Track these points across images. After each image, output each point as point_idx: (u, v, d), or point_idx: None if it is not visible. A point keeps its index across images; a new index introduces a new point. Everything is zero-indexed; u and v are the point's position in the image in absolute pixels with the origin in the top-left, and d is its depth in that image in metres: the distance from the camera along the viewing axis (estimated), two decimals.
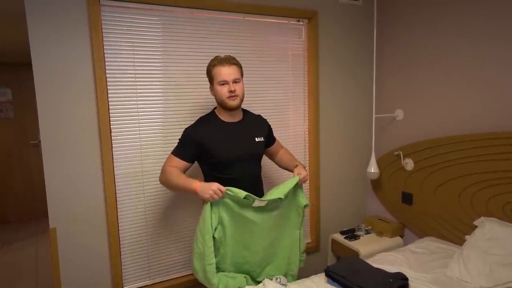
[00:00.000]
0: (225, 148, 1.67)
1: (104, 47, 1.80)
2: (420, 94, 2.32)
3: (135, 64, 1.89)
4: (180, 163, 1.65)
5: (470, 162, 2.02)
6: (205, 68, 1.71)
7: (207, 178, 1.73)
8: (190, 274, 2.14)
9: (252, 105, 2.23)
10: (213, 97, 1.73)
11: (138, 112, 1.92)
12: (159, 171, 2.01)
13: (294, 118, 2.43)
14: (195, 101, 2.08)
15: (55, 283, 1.80)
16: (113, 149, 1.87)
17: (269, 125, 1.95)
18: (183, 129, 1.71)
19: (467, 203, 2.06)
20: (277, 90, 2.34)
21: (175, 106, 2.03)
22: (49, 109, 1.72)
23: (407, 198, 2.45)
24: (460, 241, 1.96)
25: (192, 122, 1.76)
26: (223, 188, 1.52)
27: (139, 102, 1.92)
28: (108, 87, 1.83)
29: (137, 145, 1.95)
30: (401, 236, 2.50)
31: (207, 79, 1.73)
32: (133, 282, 2.01)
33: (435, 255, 2.00)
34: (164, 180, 1.67)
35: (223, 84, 1.64)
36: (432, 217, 2.29)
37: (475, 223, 1.95)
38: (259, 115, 1.94)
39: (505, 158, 1.85)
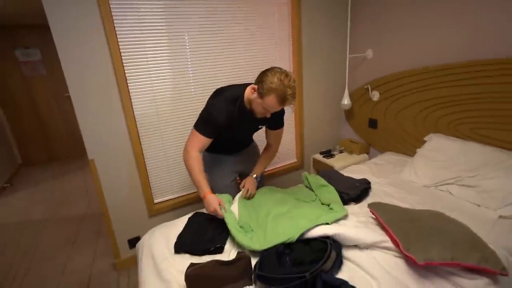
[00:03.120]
0: (234, 133, 1.55)
1: (110, 3, 1.64)
2: (387, 35, 2.19)
3: (140, 18, 1.74)
4: (205, 140, 1.45)
5: (424, 91, 1.99)
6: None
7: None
8: None
9: (242, 51, 2.12)
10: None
11: (147, 61, 1.82)
12: (171, 111, 1.97)
13: (280, 60, 2.32)
14: (199, 48, 1.96)
15: (101, 202, 1.90)
16: (130, 93, 1.82)
17: (283, 112, 1.62)
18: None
19: (421, 123, 2.08)
20: (265, 36, 2.20)
21: (182, 55, 1.92)
22: (71, 65, 1.63)
23: (373, 123, 2.47)
24: (413, 154, 2.02)
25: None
26: (220, 214, 1.38)
27: (148, 53, 1.81)
28: (118, 41, 1.71)
29: (149, 90, 1.88)
30: (367, 153, 2.57)
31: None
32: (160, 197, 2.10)
33: (392, 165, 2.07)
34: (187, 165, 1.46)
35: (264, 108, 1.36)
36: (392, 137, 2.33)
37: (425, 138, 1.99)
38: None
39: (451, 86, 1.83)
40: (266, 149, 1.79)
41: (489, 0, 1.61)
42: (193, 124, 1.50)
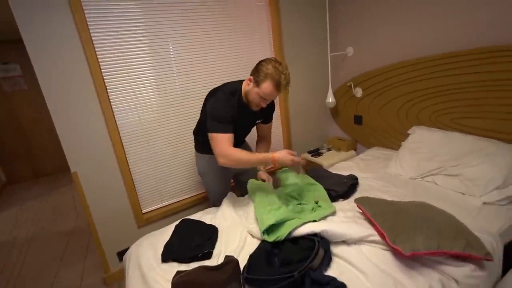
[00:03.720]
0: (236, 129, 1.52)
1: (84, 9, 1.61)
2: (366, 32, 2.23)
3: (118, 26, 1.72)
4: (229, 136, 1.42)
5: (405, 85, 2.02)
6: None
7: (203, 133, 1.56)
8: (192, 195, 2.22)
9: (225, 54, 2.12)
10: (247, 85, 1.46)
11: (128, 69, 1.79)
12: (156, 119, 1.95)
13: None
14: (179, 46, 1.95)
15: (87, 215, 1.84)
16: (111, 102, 1.78)
17: (274, 107, 1.73)
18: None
19: (403, 117, 2.11)
20: (246, 38, 2.20)
21: (166, 61, 1.91)
22: (47, 78, 1.59)
23: (358, 120, 2.49)
24: (398, 147, 2.04)
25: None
26: (298, 159, 1.44)
27: (128, 61, 1.78)
28: (96, 50, 1.68)
29: (131, 96, 1.85)
30: (355, 150, 2.59)
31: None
32: (149, 206, 2.06)
33: (378, 160, 2.09)
34: (236, 162, 1.40)
35: (262, 97, 1.41)
36: (377, 132, 2.35)
37: (409, 131, 2.01)
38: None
39: (430, 78, 1.86)
40: (261, 141, 1.84)
41: None
42: (192, 130, 1.50)
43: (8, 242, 2.74)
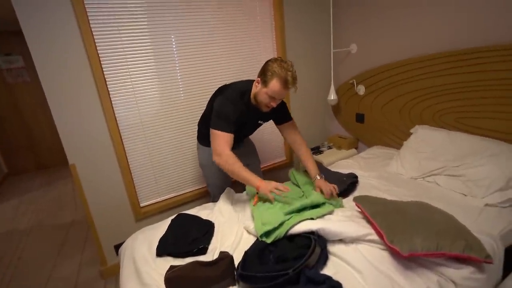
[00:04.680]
0: (240, 127, 1.53)
1: (85, 2, 1.59)
2: (370, 29, 2.18)
3: (117, 15, 1.69)
4: (229, 136, 1.42)
5: (408, 83, 1.99)
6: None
7: (207, 127, 1.54)
8: (190, 190, 2.21)
9: (227, 48, 2.09)
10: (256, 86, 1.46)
11: (127, 61, 1.78)
12: (155, 113, 1.94)
13: (265, 58, 2.29)
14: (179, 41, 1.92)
15: (85, 208, 1.84)
16: (110, 95, 1.77)
17: (283, 103, 1.64)
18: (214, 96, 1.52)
19: (406, 116, 2.07)
20: (248, 33, 2.17)
21: (168, 55, 1.88)
22: (46, 69, 1.58)
23: (360, 118, 2.46)
24: (399, 146, 2.01)
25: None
26: (282, 188, 1.37)
27: (128, 54, 1.77)
28: (95, 42, 1.66)
29: (131, 89, 1.83)
30: (356, 148, 2.56)
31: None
32: (146, 200, 2.06)
33: (379, 158, 2.06)
34: (226, 167, 1.42)
35: (271, 96, 1.42)
36: (379, 130, 2.32)
37: (411, 130, 1.98)
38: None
39: (434, 76, 1.82)
40: (296, 146, 1.69)
41: None
42: (192, 124, 1.47)
43: (7, 233, 2.75)
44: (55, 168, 4.48)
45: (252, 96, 1.51)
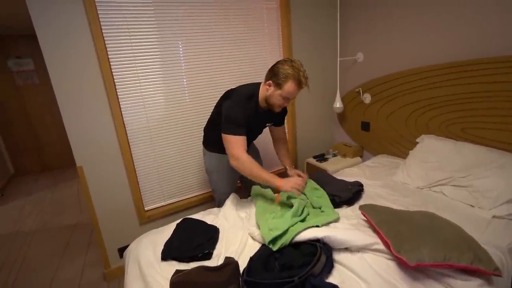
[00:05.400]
0: (249, 131, 1.54)
1: (97, 5, 1.63)
2: (377, 38, 2.20)
3: (129, 24, 1.73)
4: (243, 139, 1.45)
5: (415, 92, 1.99)
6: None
7: (214, 133, 1.61)
8: (195, 195, 2.21)
9: (233, 56, 2.12)
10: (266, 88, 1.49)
11: (136, 66, 1.81)
12: (162, 117, 1.96)
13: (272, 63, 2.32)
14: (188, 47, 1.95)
15: (90, 210, 1.85)
16: (119, 98, 1.80)
17: (286, 111, 1.80)
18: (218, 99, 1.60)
19: (412, 125, 2.07)
20: (256, 41, 2.20)
21: (176, 61, 1.92)
22: (57, 72, 1.61)
23: (365, 126, 2.46)
24: (405, 156, 2.00)
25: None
26: (302, 183, 1.51)
27: (137, 59, 1.80)
28: (106, 46, 1.69)
29: (139, 93, 1.86)
30: (361, 156, 2.55)
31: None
32: (151, 204, 2.07)
33: (385, 167, 2.06)
34: (245, 171, 1.45)
35: (285, 97, 1.45)
36: (385, 139, 2.32)
37: (417, 140, 1.98)
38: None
39: (441, 86, 1.83)
40: (278, 142, 1.89)
41: (474, 3, 1.62)
42: (198, 129, 1.49)
43: (11, 234, 2.77)
44: (61, 170, 4.52)
45: (261, 99, 1.53)
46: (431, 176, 1.69)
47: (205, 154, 1.80)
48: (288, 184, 1.47)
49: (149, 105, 1.90)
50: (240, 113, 1.45)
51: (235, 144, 1.43)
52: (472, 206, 1.47)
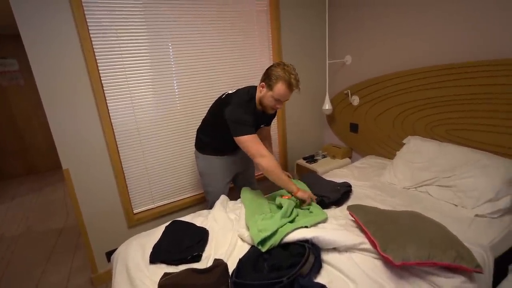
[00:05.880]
0: None
1: (83, 5, 1.60)
2: (365, 41, 2.25)
3: (116, 21, 1.71)
4: (257, 137, 1.49)
5: (401, 95, 2.04)
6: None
7: (213, 133, 1.68)
8: (185, 197, 2.20)
9: (224, 60, 2.12)
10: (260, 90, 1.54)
11: (124, 67, 1.79)
12: (151, 119, 1.95)
13: (261, 67, 2.33)
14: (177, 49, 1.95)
15: (76, 214, 1.82)
16: (106, 100, 1.77)
17: (276, 113, 1.84)
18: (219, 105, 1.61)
19: (399, 126, 2.12)
20: (246, 44, 2.21)
21: (165, 62, 1.91)
22: (43, 72, 1.58)
23: (354, 128, 2.50)
24: (392, 156, 2.04)
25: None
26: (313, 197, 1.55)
27: (125, 60, 1.78)
28: (93, 47, 1.67)
29: (127, 95, 1.84)
30: (349, 157, 2.59)
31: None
32: (140, 207, 2.04)
33: (373, 168, 2.09)
34: (271, 169, 1.46)
35: (276, 99, 1.49)
36: (373, 140, 2.36)
37: (404, 141, 2.02)
38: None
39: (426, 89, 1.88)
40: (265, 141, 1.85)
41: (458, 8, 1.67)
42: (189, 131, 1.48)
43: None
44: (46, 174, 4.40)
45: (257, 100, 1.57)
46: (417, 176, 1.73)
47: (198, 156, 1.79)
48: (306, 193, 1.52)
49: (138, 106, 1.88)
50: (247, 114, 1.49)
51: (252, 142, 1.45)
52: (456, 205, 1.51)
